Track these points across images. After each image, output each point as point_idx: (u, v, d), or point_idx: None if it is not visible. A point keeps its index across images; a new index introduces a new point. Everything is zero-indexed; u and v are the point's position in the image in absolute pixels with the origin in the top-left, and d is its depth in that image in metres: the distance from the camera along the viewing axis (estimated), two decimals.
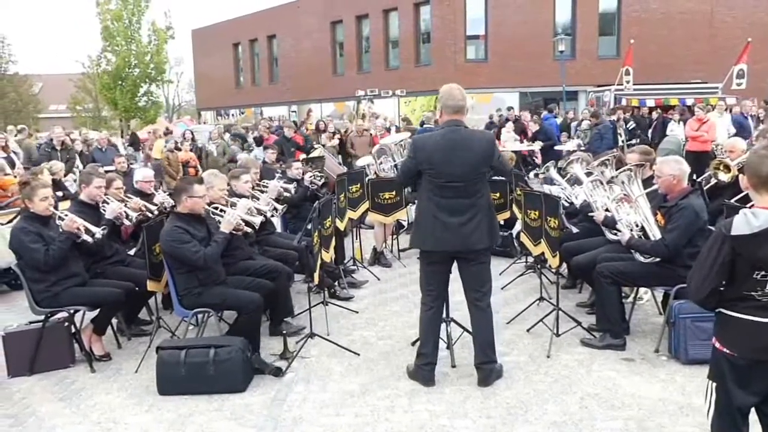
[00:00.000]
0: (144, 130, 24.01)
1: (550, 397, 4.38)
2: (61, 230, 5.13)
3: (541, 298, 6.10)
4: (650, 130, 17.38)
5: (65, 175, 10.29)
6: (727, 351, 2.79)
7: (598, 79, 24.66)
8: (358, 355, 5.22)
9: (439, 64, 27.38)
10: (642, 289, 6.09)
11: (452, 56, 26.88)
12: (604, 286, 5.15)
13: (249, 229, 5.68)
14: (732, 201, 5.73)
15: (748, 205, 2.88)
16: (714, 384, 2.88)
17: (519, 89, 26.28)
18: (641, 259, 5.14)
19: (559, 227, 5.35)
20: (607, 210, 5.58)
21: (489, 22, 27.01)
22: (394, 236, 8.91)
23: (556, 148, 15.19)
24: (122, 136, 26.75)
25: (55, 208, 5.29)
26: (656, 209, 5.20)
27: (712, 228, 4.58)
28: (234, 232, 5.33)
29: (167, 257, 5.07)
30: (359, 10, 30.65)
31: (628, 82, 20.71)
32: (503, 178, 6.73)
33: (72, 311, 5.21)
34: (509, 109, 17.58)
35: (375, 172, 8.71)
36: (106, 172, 7.62)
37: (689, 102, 19.39)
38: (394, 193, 8.03)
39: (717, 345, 2.85)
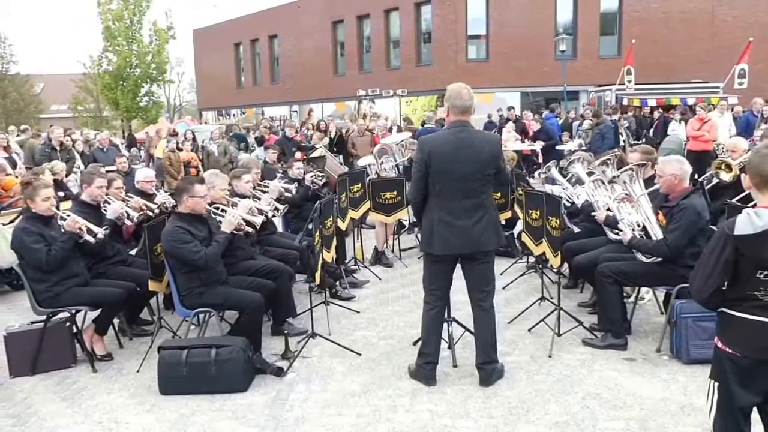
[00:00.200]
0: (142, 131, 24.08)
1: (551, 397, 4.38)
2: (63, 230, 5.13)
3: (543, 298, 6.09)
4: (652, 130, 17.40)
5: (66, 176, 10.28)
6: (730, 351, 2.78)
7: (600, 78, 24.66)
8: (360, 355, 5.22)
9: (440, 63, 27.38)
10: (643, 289, 6.08)
11: (453, 56, 26.88)
12: (606, 286, 5.15)
13: (250, 229, 5.68)
14: (734, 201, 5.74)
15: (750, 205, 2.88)
16: (716, 384, 2.87)
17: (520, 89, 26.28)
18: (643, 258, 5.13)
19: (561, 227, 5.34)
20: (608, 210, 5.57)
21: (490, 22, 27.01)
22: (396, 236, 8.91)
23: (558, 147, 15.18)
24: (123, 137, 26.80)
25: (57, 208, 5.28)
26: (658, 209, 5.20)
27: (714, 228, 4.59)
28: (235, 232, 5.33)
29: (168, 257, 5.07)
30: (360, 9, 30.66)
31: (629, 81, 20.71)
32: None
33: (74, 311, 5.22)
34: (510, 108, 17.55)
35: (376, 172, 8.72)
36: (108, 172, 7.61)
37: (691, 102, 19.39)
38: (395, 192, 8.03)
39: (719, 345, 2.85)
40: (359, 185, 7.97)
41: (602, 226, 5.69)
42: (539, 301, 6.08)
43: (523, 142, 14.97)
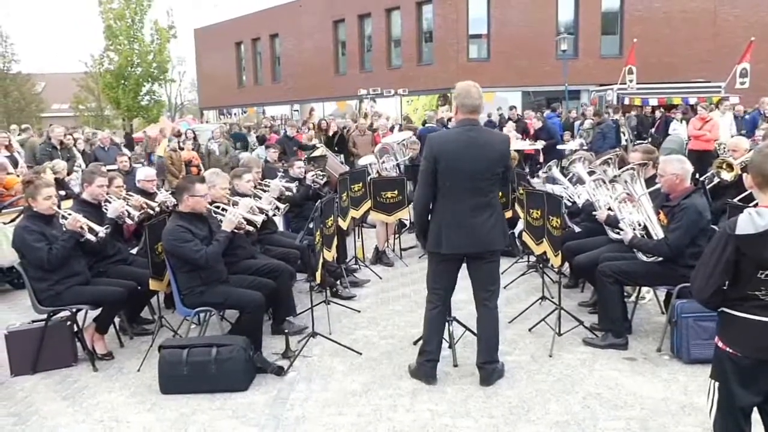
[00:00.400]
0: (141, 131, 24.12)
1: (552, 397, 4.37)
2: (64, 229, 5.13)
3: (543, 298, 6.09)
4: (653, 129, 17.39)
5: (68, 175, 10.28)
6: (731, 350, 2.78)
7: (601, 78, 24.64)
8: (360, 354, 5.22)
9: (441, 63, 27.37)
10: (644, 289, 6.08)
11: (454, 55, 26.87)
12: (606, 286, 5.15)
13: (251, 228, 5.68)
14: (735, 200, 5.73)
15: (752, 204, 2.87)
16: (716, 383, 2.87)
17: (521, 88, 26.26)
18: (644, 258, 5.13)
19: (561, 226, 5.34)
20: (609, 209, 5.57)
21: (491, 21, 27.00)
22: (396, 235, 8.91)
23: (559, 147, 15.17)
24: (125, 137, 26.80)
25: (58, 207, 5.29)
26: (659, 208, 5.20)
27: (715, 227, 4.58)
28: (236, 230, 5.33)
29: (169, 256, 5.07)
30: (361, 9, 30.65)
31: (631, 81, 20.69)
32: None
33: (74, 310, 5.22)
34: (512, 108, 17.53)
35: (377, 171, 8.71)
36: (108, 171, 7.62)
37: (692, 101, 19.38)
38: (396, 192, 8.03)
39: (720, 344, 2.84)
40: (360, 184, 7.97)
41: (603, 225, 5.68)
42: (540, 300, 6.08)
43: (524, 140, 14.97)
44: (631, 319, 5.54)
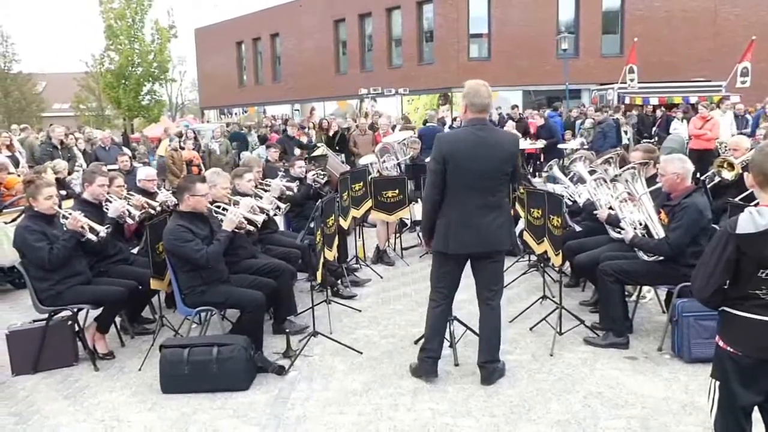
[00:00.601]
0: (139, 132, 24.16)
1: (553, 396, 4.37)
2: (65, 229, 5.14)
3: (544, 297, 6.09)
4: (654, 129, 17.39)
5: (69, 174, 10.29)
6: (731, 350, 2.78)
7: (602, 77, 24.65)
8: (361, 353, 5.22)
9: (442, 62, 27.38)
10: (645, 288, 6.08)
11: (455, 55, 26.87)
12: (607, 285, 5.14)
13: (252, 228, 5.68)
14: (736, 199, 5.73)
15: (753, 204, 2.87)
16: (717, 383, 2.87)
17: (522, 88, 26.26)
18: (644, 257, 5.13)
19: (562, 225, 5.34)
20: (610, 208, 5.57)
21: (492, 21, 27.01)
22: (397, 234, 8.91)
23: (560, 146, 15.17)
24: (125, 136, 26.83)
25: (59, 206, 5.29)
26: (659, 208, 5.20)
27: (716, 226, 4.58)
28: (236, 230, 5.33)
29: (170, 256, 5.07)
30: (362, 8, 30.66)
31: (632, 80, 20.69)
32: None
33: (75, 310, 5.22)
34: (514, 107, 17.49)
35: (378, 171, 8.72)
36: (109, 170, 7.62)
37: (693, 100, 19.38)
38: (397, 191, 8.03)
39: (720, 343, 2.84)
40: (361, 184, 7.97)
41: (604, 224, 5.68)
42: (541, 299, 6.07)
43: (525, 140, 14.96)
44: (632, 318, 5.54)
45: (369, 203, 8.05)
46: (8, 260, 7.12)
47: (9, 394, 4.75)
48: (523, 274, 7.36)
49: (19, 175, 9.31)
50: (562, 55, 24.05)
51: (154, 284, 5.38)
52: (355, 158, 13.34)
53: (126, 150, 14.22)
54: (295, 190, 7.59)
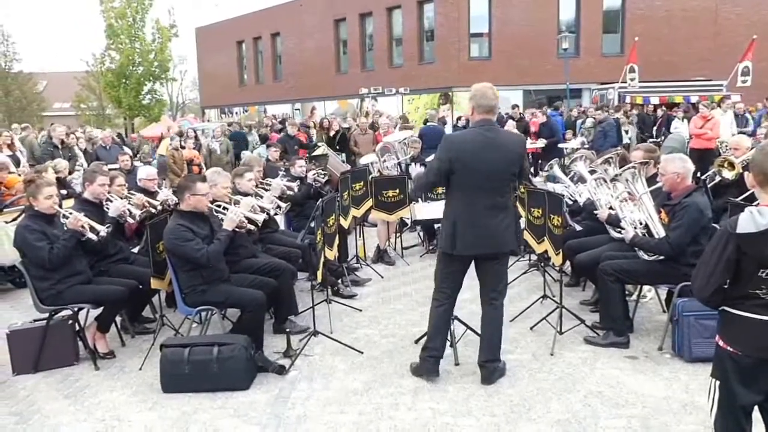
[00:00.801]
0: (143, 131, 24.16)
1: (553, 395, 4.37)
2: (65, 228, 5.14)
3: (545, 296, 6.08)
4: (655, 128, 17.39)
5: (69, 174, 10.29)
6: (731, 349, 2.78)
7: (602, 76, 24.65)
8: (362, 353, 5.22)
9: (442, 61, 27.38)
10: (645, 287, 6.08)
11: (456, 54, 26.87)
12: (608, 284, 5.15)
13: (252, 227, 5.69)
14: (736, 199, 5.73)
15: (753, 204, 2.87)
16: (717, 382, 2.87)
17: (523, 87, 26.25)
18: (645, 256, 5.13)
19: (563, 225, 5.34)
20: (611, 208, 5.57)
21: (493, 20, 27.00)
22: (398, 234, 8.91)
23: (560, 145, 15.16)
24: (126, 135, 26.85)
25: (60, 206, 5.29)
26: (660, 207, 5.19)
27: (716, 226, 4.58)
28: (237, 229, 5.33)
29: (170, 255, 5.07)
30: (363, 7, 30.66)
31: (632, 79, 20.68)
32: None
33: (76, 309, 5.22)
34: (514, 106, 17.46)
35: (378, 170, 8.72)
36: (110, 170, 7.62)
37: (694, 99, 19.37)
38: (397, 191, 8.03)
39: (721, 343, 2.84)
40: (361, 183, 7.97)
41: (604, 224, 5.68)
42: (541, 299, 6.07)
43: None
44: (633, 317, 5.54)
45: (369, 203, 8.05)
46: (9, 259, 7.12)
47: (9, 394, 4.75)
48: (524, 273, 7.36)
49: (19, 175, 9.31)
50: (562, 54, 24.05)
51: (154, 284, 5.38)
52: (356, 158, 13.35)
53: (126, 149, 14.21)
54: (296, 189, 7.59)
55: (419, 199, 8.64)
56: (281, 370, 4.86)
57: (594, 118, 16.00)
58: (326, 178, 8.48)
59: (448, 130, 17.84)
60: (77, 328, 5.28)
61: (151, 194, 6.71)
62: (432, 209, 8.21)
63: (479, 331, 4.66)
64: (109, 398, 4.60)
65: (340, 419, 4.16)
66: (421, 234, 9.25)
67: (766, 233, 2.56)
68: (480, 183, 4.25)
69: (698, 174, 7.64)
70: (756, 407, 2.84)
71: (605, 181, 5.87)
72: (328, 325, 5.72)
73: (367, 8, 30.48)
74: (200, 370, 4.56)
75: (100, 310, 5.33)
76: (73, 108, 43.59)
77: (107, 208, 5.77)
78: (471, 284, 4.62)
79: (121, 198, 6.05)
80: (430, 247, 8.71)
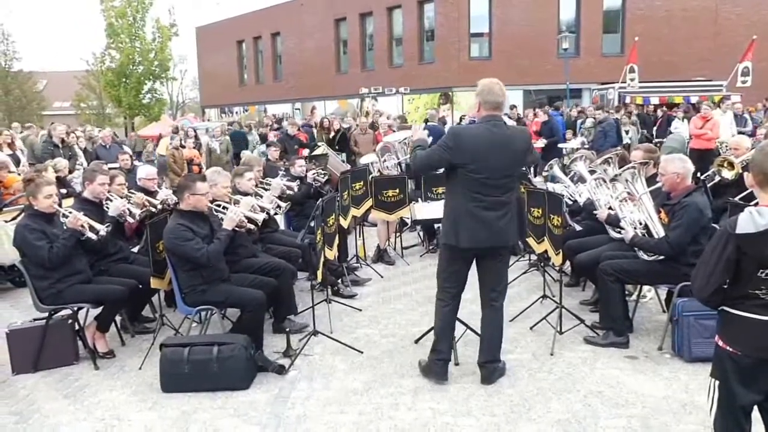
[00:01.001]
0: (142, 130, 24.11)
1: (553, 395, 4.37)
2: (65, 228, 5.14)
3: (545, 296, 6.08)
4: (655, 128, 17.38)
5: (70, 173, 10.29)
6: (731, 349, 2.78)
7: (602, 76, 24.66)
8: (362, 352, 5.22)
9: (442, 61, 27.39)
10: (645, 287, 6.08)
11: (456, 54, 26.88)
12: (608, 284, 5.14)
13: (252, 227, 5.69)
14: (736, 199, 5.73)
15: (753, 203, 2.87)
16: (717, 382, 2.87)
17: (523, 87, 26.25)
18: (645, 256, 5.13)
19: (562, 225, 5.34)
20: (610, 208, 5.57)
21: (493, 20, 27.01)
22: (398, 234, 8.91)
23: (560, 145, 15.15)
24: (126, 134, 26.84)
25: (59, 205, 5.29)
26: (659, 207, 5.20)
27: (716, 226, 4.58)
28: (237, 229, 5.33)
29: (170, 254, 5.07)
30: (363, 7, 30.67)
31: (632, 79, 20.68)
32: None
33: (76, 308, 5.22)
34: (512, 107, 17.43)
35: (378, 170, 8.71)
36: (110, 169, 7.62)
37: (693, 100, 19.38)
38: (397, 190, 8.04)
39: (720, 343, 2.84)
40: (361, 183, 7.97)
41: (604, 224, 5.68)
42: (541, 299, 6.07)
43: None
44: (633, 317, 5.54)
45: (369, 202, 8.05)
46: (8, 259, 7.12)
47: (9, 393, 4.75)
48: (524, 273, 7.36)
49: (19, 174, 9.31)
50: (562, 54, 24.05)
51: (154, 283, 5.38)
52: (356, 157, 13.34)
53: (126, 148, 14.21)
54: (296, 189, 7.59)
55: (419, 199, 8.64)
56: (281, 370, 4.86)
57: (594, 118, 15.99)
58: (326, 177, 8.49)
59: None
60: (77, 327, 5.28)
61: (151, 194, 6.70)
62: (432, 209, 8.21)
63: (479, 331, 4.66)
64: (109, 398, 4.60)
65: (340, 419, 4.15)
66: (421, 234, 9.26)
67: (765, 233, 2.56)
68: (483, 179, 4.22)
69: (698, 174, 7.64)
70: (755, 407, 2.83)
71: (605, 181, 5.87)
72: (328, 324, 5.72)
73: (368, 8, 30.49)
74: (200, 369, 4.56)
75: (99, 309, 5.33)
76: (73, 107, 43.58)
77: (107, 208, 5.77)
78: (471, 284, 4.61)
79: (121, 197, 6.05)
80: (430, 247, 8.72)
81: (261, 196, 6.58)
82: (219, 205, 5.59)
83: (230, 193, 5.96)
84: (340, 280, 6.91)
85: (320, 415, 4.22)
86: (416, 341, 5.35)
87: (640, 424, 3.95)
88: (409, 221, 9.60)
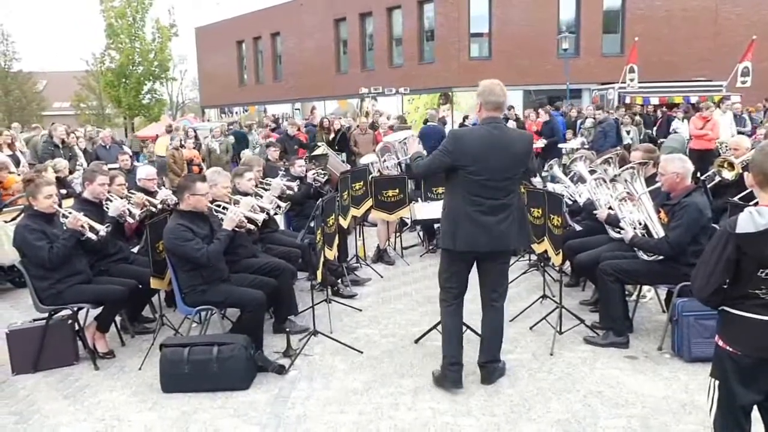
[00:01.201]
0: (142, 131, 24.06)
1: (553, 395, 4.38)
2: (65, 228, 5.14)
3: (544, 296, 6.08)
4: (655, 128, 17.38)
5: (70, 173, 10.29)
6: (731, 349, 2.78)
7: (602, 76, 24.67)
8: (362, 352, 5.22)
9: (442, 61, 27.39)
10: (645, 287, 6.08)
11: (456, 54, 26.88)
12: (607, 284, 5.15)
13: (252, 227, 5.69)
14: (736, 199, 5.73)
15: (752, 203, 2.87)
16: (717, 382, 2.87)
17: (523, 87, 26.24)
18: (644, 257, 5.13)
19: (562, 225, 5.34)
20: (610, 208, 5.57)
21: (493, 20, 27.01)
22: (398, 234, 8.91)
23: (560, 145, 15.14)
24: (126, 135, 26.83)
25: (59, 205, 5.29)
26: (659, 207, 5.20)
27: (716, 226, 4.58)
28: (237, 229, 5.33)
29: (170, 255, 5.07)
30: (363, 7, 30.66)
31: (632, 79, 20.68)
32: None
33: (76, 309, 5.22)
34: (510, 108, 17.38)
35: (378, 170, 8.72)
36: (110, 169, 7.62)
37: (693, 100, 19.38)
38: (397, 190, 8.04)
39: (720, 343, 2.84)
40: (361, 183, 7.97)
41: (604, 224, 5.68)
42: (541, 299, 6.07)
43: None
44: (632, 317, 5.54)
45: (369, 202, 8.05)
46: (8, 259, 7.12)
47: (9, 393, 4.75)
48: (524, 273, 7.36)
49: (19, 175, 9.31)
50: (562, 54, 24.06)
51: (154, 283, 5.38)
52: (356, 157, 13.34)
53: (126, 148, 14.21)
54: (296, 189, 7.59)
55: (419, 199, 8.64)
56: (281, 370, 4.86)
57: (594, 118, 15.99)
58: (326, 177, 8.49)
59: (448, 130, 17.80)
60: (77, 327, 5.28)
61: (151, 194, 6.71)
62: (432, 209, 8.21)
63: (479, 331, 4.65)
64: (109, 398, 4.60)
65: (340, 419, 4.16)
66: (421, 234, 9.26)
67: (765, 233, 2.56)
68: (483, 181, 4.19)
69: (698, 174, 7.64)
70: (755, 407, 2.84)
71: (605, 181, 5.88)
72: (328, 324, 5.72)
73: (367, 8, 30.48)
74: (200, 369, 4.56)
75: (99, 309, 5.33)
76: (72, 107, 43.58)
77: (107, 208, 5.77)
78: (471, 284, 4.59)
79: (121, 197, 6.05)
80: (430, 247, 8.73)
81: (261, 197, 6.59)
82: (219, 206, 5.59)
83: (230, 194, 5.97)
84: (340, 280, 6.91)
85: (320, 415, 4.22)
86: (416, 341, 5.36)
87: (640, 424, 3.95)
88: (409, 221, 9.61)
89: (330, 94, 32.38)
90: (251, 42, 38.31)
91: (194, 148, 14.28)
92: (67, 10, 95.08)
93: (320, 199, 5.70)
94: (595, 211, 5.76)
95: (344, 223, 7.20)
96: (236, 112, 39.06)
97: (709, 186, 6.67)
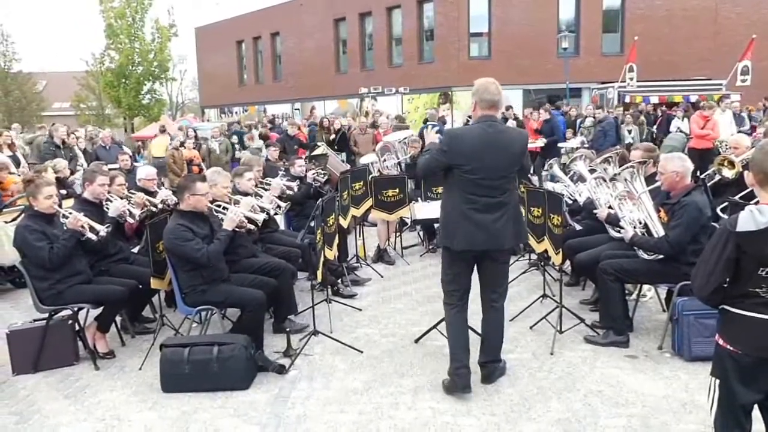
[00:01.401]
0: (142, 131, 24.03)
1: (553, 395, 4.38)
2: (65, 228, 5.14)
3: (545, 295, 6.08)
4: (655, 127, 17.38)
5: (71, 174, 10.29)
6: (731, 348, 2.78)
7: (602, 76, 24.65)
8: (362, 352, 5.22)
9: (442, 61, 27.38)
10: (645, 286, 6.08)
11: (456, 53, 26.87)
12: (607, 283, 5.15)
13: (252, 227, 5.69)
14: (736, 197, 5.73)
15: (753, 202, 2.87)
16: (717, 381, 2.87)
17: (523, 87, 26.23)
18: (644, 256, 5.13)
19: (562, 224, 5.34)
20: (610, 207, 5.57)
21: (492, 20, 27.00)
22: (398, 234, 8.91)
23: (560, 145, 15.14)
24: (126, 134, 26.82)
25: (59, 206, 5.29)
26: (659, 206, 5.20)
27: (716, 225, 4.58)
28: (237, 229, 5.33)
29: (170, 255, 5.07)
30: (362, 7, 30.65)
31: (632, 79, 20.68)
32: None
33: (76, 309, 5.22)
34: (508, 108, 17.34)
35: (378, 170, 8.72)
36: (110, 169, 7.62)
37: (693, 99, 19.38)
38: (397, 190, 8.04)
39: (720, 342, 2.84)
40: (361, 183, 7.97)
41: (604, 223, 5.68)
42: (541, 298, 6.07)
43: None
44: (633, 316, 5.54)
45: (369, 202, 8.05)
46: (9, 259, 7.12)
47: (9, 394, 4.76)
48: (524, 272, 7.36)
49: (19, 175, 9.30)
50: (562, 54, 24.06)
51: (154, 283, 5.38)
52: (356, 157, 13.34)
53: (126, 149, 14.21)
54: (296, 189, 7.60)
55: (419, 199, 8.64)
56: (281, 370, 4.86)
57: (594, 118, 15.99)
58: (326, 177, 8.49)
59: None
60: (77, 327, 5.28)
61: (151, 194, 6.71)
62: (432, 209, 8.20)
63: (479, 331, 4.65)
64: (109, 398, 4.60)
65: (340, 419, 4.16)
66: (421, 233, 9.26)
67: (765, 232, 2.56)
68: (479, 180, 4.19)
69: (698, 173, 7.64)
70: (756, 406, 2.84)
71: (605, 181, 5.88)
72: (328, 324, 5.72)
73: (367, 8, 30.47)
74: (200, 369, 4.56)
75: (100, 310, 5.33)
76: (72, 108, 43.56)
77: (107, 208, 5.77)
78: (472, 284, 4.60)
79: (121, 198, 6.05)
80: (430, 247, 8.73)
81: (261, 196, 6.59)
82: (219, 206, 5.59)
83: (230, 194, 5.97)
84: (340, 280, 6.91)
85: (320, 414, 4.22)
86: (416, 341, 5.36)
87: (640, 423, 3.95)
88: (409, 221, 9.61)
89: (330, 94, 32.37)
90: (251, 42, 38.30)
91: (194, 148, 14.28)
92: (66, 11, 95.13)
93: (320, 199, 5.70)
94: (595, 211, 5.76)
95: (344, 223, 7.20)
96: (236, 112, 39.04)
97: (709, 185, 6.67)
